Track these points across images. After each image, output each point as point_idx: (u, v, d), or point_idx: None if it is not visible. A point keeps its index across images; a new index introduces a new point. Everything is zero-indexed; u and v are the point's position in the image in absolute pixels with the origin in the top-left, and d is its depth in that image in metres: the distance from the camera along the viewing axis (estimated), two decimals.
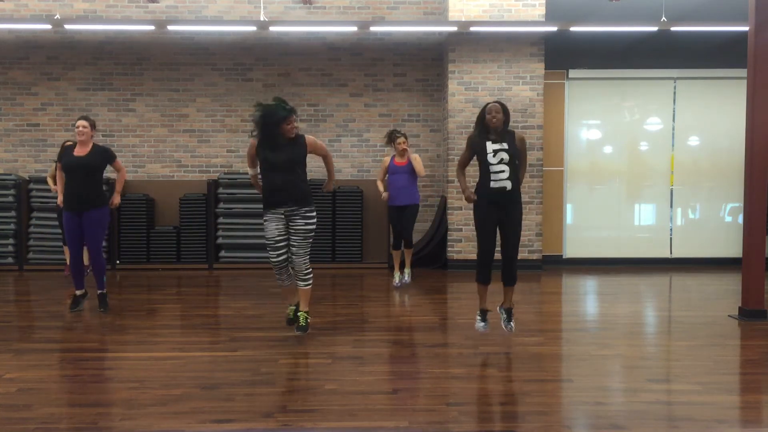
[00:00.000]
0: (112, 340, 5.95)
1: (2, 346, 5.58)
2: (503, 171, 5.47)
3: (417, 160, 8.44)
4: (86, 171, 6.67)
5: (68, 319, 6.78)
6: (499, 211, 5.52)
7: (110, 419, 3.91)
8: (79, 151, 6.74)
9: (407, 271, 8.70)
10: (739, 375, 5.06)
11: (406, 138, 8.50)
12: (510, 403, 4.26)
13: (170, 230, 10.41)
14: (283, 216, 5.73)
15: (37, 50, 10.71)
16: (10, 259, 10.24)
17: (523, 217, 9.94)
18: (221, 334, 6.09)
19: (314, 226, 5.81)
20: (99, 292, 7.01)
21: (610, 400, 4.34)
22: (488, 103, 5.60)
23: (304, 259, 5.75)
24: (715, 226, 10.86)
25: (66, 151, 6.85)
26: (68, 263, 8.48)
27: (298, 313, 5.88)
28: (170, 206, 10.59)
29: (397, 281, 8.56)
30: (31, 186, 10.30)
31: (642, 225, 11.03)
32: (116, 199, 6.96)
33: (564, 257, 10.69)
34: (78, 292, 6.99)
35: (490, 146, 5.50)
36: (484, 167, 5.53)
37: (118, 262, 10.28)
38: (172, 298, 8.23)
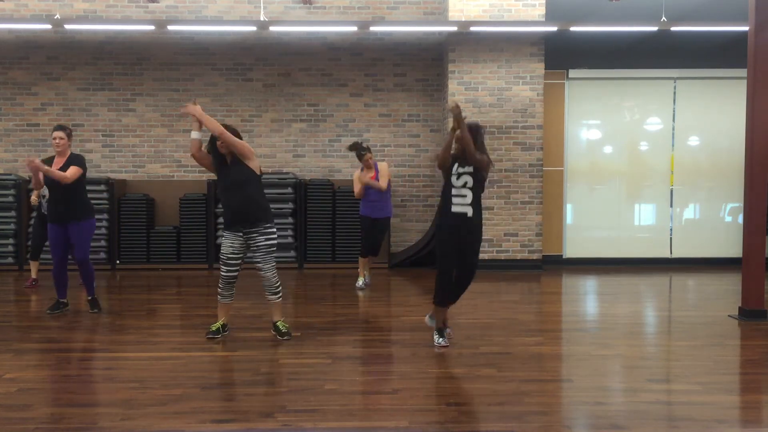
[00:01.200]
0: (112, 340, 5.95)
1: (2, 346, 5.58)
2: (465, 195, 5.44)
3: (384, 171, 8.32)
4: (65, 187, 6.56)
5: (68, 319, 6.78)
6: (459, 238, 5.44)
7: (110, 419, 3.91)
8: (57, 164, 6.67)
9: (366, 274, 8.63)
10: (739, 375, 5.06)
11: (370, 152, 8.40)
12: (510, 403, 4.26)
13: (170, 230, 10.41)
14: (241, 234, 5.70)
15: (37, 50, 10.71)
16: (10, 259, 10.24)
17: (524, 217, 10.07)
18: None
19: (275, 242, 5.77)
20: (89, 297, 7.01)
21: (610, 400, 4.34)
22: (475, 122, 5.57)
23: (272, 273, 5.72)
24: (715, 226, 10.86)
25: (46, 162, 6.74)
26: (33, 276, 8.55)
27: (277, 323, 5.83)
28: (170, 206, 10.59)
29: (361, 283, 8.49)
30: (31, 186, 10.28)
31: (642, 225, 11.03)
32: (43, 167, 6.44)
33: (564, 257, 10.69)
34: (61, 300, 6.97)
35: (457, 168, 5.47)
36: (447, 189, 5.49)
37: (118, 262, 10.28)
38: (172, 298, 8.23)
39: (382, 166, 8.45)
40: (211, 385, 4.52)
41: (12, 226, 10.21)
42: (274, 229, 5.77)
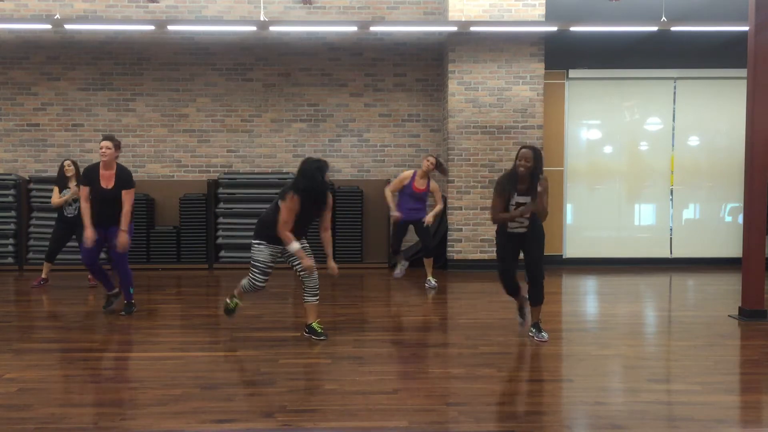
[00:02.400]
0: (112, 340, 5.95)
1: (2, 346, 5.58)
2: (523, 223, 5.65)
3: (437, 191, 8.47)
4: (113, 199, 6.55)
5: (68, 319, 6.78)
6: (518, 246, 5.79)
7: (110, 419, 3.91)
8: (105, 179, 6.55)
9: (431, 278, 8.70)
10: (739, 375, 5.06)
11: (436, 161, 8.47)
12: (510, 403, 4.26)
13: (170, 230, 10.41)
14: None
15: (37, 50, 10.71)
16: (10, 259, 10.24)
17: None
18: (221, 334, 6.08)
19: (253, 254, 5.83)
20: (126, 301, 6.89)
21: (610, 400, 4.34)
22: (522, 147, 5.59)
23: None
24: (715, 226, 10.86)
25: (91, 174, 6.59)
26: (43, 276, 8.57)
27: (312, 324, 5.84)
28: (170, 206, 10.59)
29: (398, 272, 9.06)
30: (31, 186, 10.30)
31: (642, 225, 11.03)
32: (123, 238, 6.56)
33: (564, 257, 10.69)
34: (110, 293, 6.98)
35: (515, 198, 5.57)
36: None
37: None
38: (172, 298, 8.23)
39: (435, 187, 8.51)
40: (211, 385, 4.52)
41: (12, 226, 10.21)
42: (258, 244, 5.86)
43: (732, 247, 10.24)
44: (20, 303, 8.02)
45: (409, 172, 8.56)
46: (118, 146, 6.69)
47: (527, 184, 5.52)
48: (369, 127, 10.91)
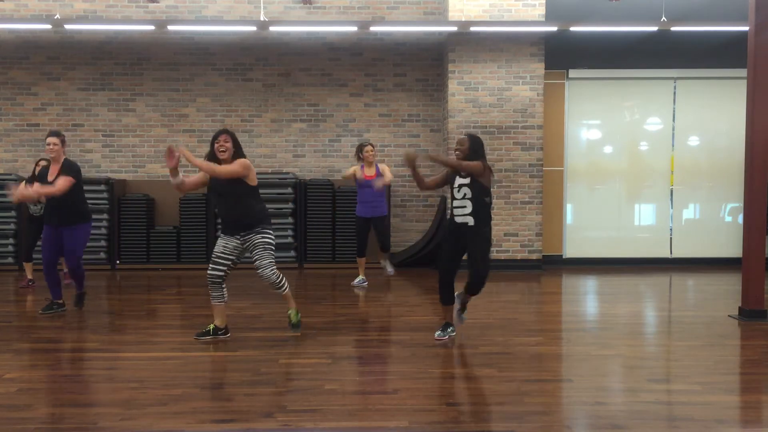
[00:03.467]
0: (112, 340, 5.95)
1: (2, 346, 5.58)
2: (465, 206, 5.54)
3: (386, 171, 8.38)
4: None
5: (68, 319, 6.78)
6: (461, 245, 5.61)
7: (110, 419, 3.91)
8: (52, 172, 6.63)
9: (387, 263, 8.81)
10: (739, 375, 5.06)
11: (373, 147, 8.51)
12: (510, 403, 4.26)
13: (170, 230, 10.41)
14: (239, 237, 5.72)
15: (37, 50, 10.71)
16: (10, 259, 10.24)
17: (524, 217, 10.07)
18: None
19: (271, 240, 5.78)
20: (78, 292, 6.98)
21: (610, 400, 4.34)
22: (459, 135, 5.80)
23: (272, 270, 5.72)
24: (715, 226, 10.86)
25: (41, 172, 6.75)
26: (29, 277, 8.56)
27: (289, 312, 5.88)
28: (170, 206, 10.59)
29: (357, 281, 8.74)
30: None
31: (642, 225, 11.03)
32: (31, 190, 6.51)
33: (564, 257, 10.69)
34: (56, 301, 6.93)
35: (457, 180, 5.60)
36: (450, 200, 5.67)
37: (118, 262, 10.28)
38: (172, 298, 8.23)
39: (384, 167, 8.48)
40: (211, 385, 4.52)
41: (12, 226, 10.21)
42: (271, 231, 5.79)
43: (732, 247, 10.24)
44: (20, 303, 8.02)
45: (356, 166, 8.59)
46: (64, 141, 6.75)
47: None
48: (369, 127, 10.91)
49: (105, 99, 10.80)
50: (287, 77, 10.86)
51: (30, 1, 10.56)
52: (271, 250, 5.75)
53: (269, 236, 5.73)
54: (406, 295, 8.29)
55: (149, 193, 10.53)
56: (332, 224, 10.38)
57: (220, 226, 10.22)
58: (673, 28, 9.63)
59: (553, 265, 10.38)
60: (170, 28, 10.21)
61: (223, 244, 5.70)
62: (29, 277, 8.62)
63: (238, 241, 5.69)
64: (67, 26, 10.16)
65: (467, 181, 5.53)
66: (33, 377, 4.73)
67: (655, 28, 9.70)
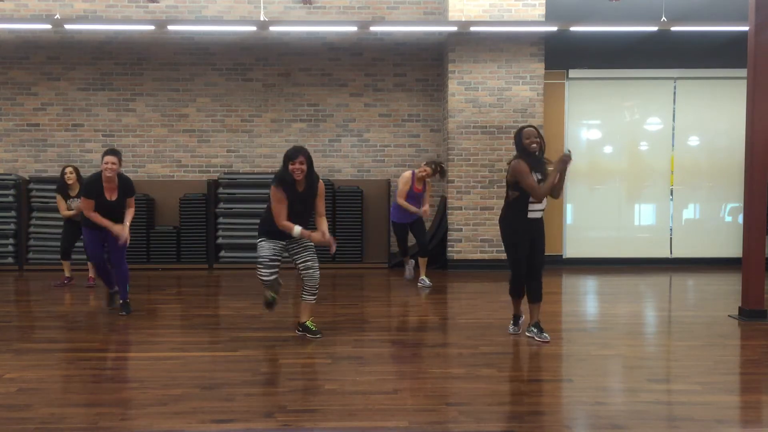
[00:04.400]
0: (112, 340, 5.95)
1: (2, 346, 5.58)
2: (542, 203, 5.65)
3: (428, 191, 8.70)
4: (117, 209, 6.71)
5: (68, 319, 6.78)
6: (533, 237, 5.73)
7: (110, 419, 3.91)
8: (109, 192, 6.63)
9: (425, 278, 8.73)
10: (739, 375, 5.06)
11: (434, 172, 8.61)
12: (510, 403, 4.26)
13: (170, 230, 10.41)
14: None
15: (37, 50, 10.71)
16: (10, 259, 10.24)
17: None
18: (221, 334, 6.08)
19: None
20: (121, 300, 6.93)
21: (610, 400, 4.34)
22: (523, 128, 5.75)
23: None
24: (715, 226, 10.86)
25: (95, 188, 6.62)
26: (67, 275, 8.61)
27: (306, 323, 5.87)
28: (170, 206, 10.58)
29: (407, 274, 9.06)
30: (31, 186, 10.30)
31: (642, 225, 11.02)
32: (124, 231, 6.69)
33: (564, 257, 10.68)
34: (112, 291, 7.06)
35: (537, 177, 5.63)
36: (524, 197, 5.61)
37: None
38: (172, 298, 8.23)
39: (428, 186, 8.70)
40: (211, 385, 4.52)
41: (12, 226, 10.21)
42: (259, 240, 5.85)
43: (732, 247, 10.24)
44: (20, 303, 8.02)
45: (407, 173, 8.62)
46: (121, 160, 6.77)
47: (536, 161, 5.64)
48: (369, 127, 10.91)
49: (105, 99, 10.79)
50: (287, 77, 10.86)
51: (30, 1, 10.56)
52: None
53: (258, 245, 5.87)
54: (406, 295, 8.29)
55: (149, 193, 10.52)
56: (332, 224, 10.36)
57: (221, 224, 10.30)
58: (673, 28, 9.62)
59: (553, 265, 10.37)
60: (170, 28, 10.21)
61: (272, 247, 5.71)
62: (67, 275, 8.63)
63: (282, 245, 5.74)
64: (67, 26, 10.15)
65: (540, 177, 5.61)
66: (33, 377, 4.73)
67: (655, 28, 9.70)
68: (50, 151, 10.74)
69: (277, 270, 5.79)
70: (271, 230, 5.67)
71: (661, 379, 4.88)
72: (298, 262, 5.73)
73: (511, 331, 5.98)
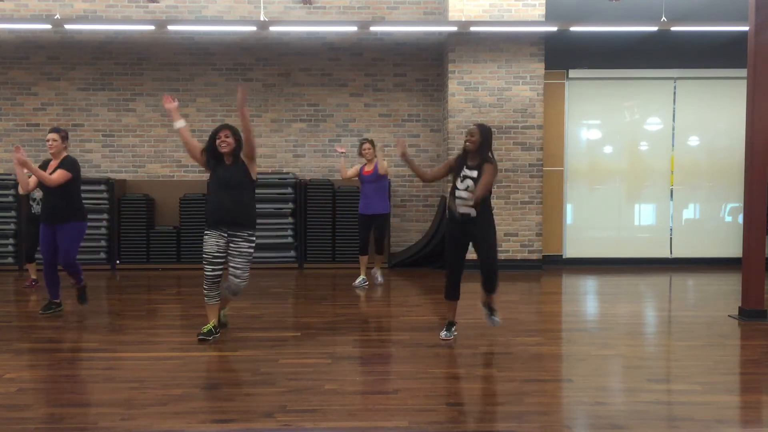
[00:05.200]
0: (112, 340, 5.95)
1: (2, 346, 5.58)
2: (467, 198, 5.55)
3: (381, 163, 8.32)
4: (57, 190, 6.54)
5: (68, 319, 6.78)
6: (467, 235, 5.63)
7: (110, 419, 3.91)
8: (51, 166, 6.66)
9: (378, 272, 8.74)
10: (739, 375, 5.06)
11: (372, 145, 8.48)
12: (510, 403, 4.26)
13: (170, 230, 10.41)
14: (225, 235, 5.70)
15: (37, 50, 10.71)
16: (10, 259, 10.24)
17: (524, 217, 10.07)
18: (221, 334, 6.08)
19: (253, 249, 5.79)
20: (78, 285, 6.94)
21: (610, 400, 4.34)
22: (471, 126, 5.79)
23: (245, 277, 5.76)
24: (715, 226, 10.86)
25: (40, 166, 6.74)
26: (33, 276, 8.54)
27: (221, 310, 5.96)
28: (170, 206, 10.58)
29: (358, 282, 8.60)
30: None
31: (642, 225, 11.02)
32: (29, 164, 6.33)
33: (564, 257, 10.68)
34: (54, 300, 6.90)
35: (464, 171, 5.60)
36: (452, 191, 5.65)
37: (118, 262, 10.28)
38: (172, 298, 8.23)
39: (382, 164, 8.40)
40: (211, 385, 4.52)
41: (12, 226, 10.21)
42: (255, 238, 5.82)
43: (732, 247, 10.24)
44: (20, 303, 8.02)
45: (358, 165, 8.65)
46: (65, 137, 6.78)
47: (477, 161, 5.57)
48: (369, 127, 10.91)
49: (105, 99, 10.79)
50: (287, 77, 10.86)
51: (30, 1, 10.56)
52: (251, 259, 5.83)
53: (254, 245, 5.82)
54: (406, 295, 8.29)
55: (149, 193, 10.53)
56: (332, 224, 10.37)
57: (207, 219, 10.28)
58: (673, 28, 9.62)
59: (553, 265, 10.39)
60: (170, 28, 10.21)
61: (215, 242, 5.72)
62: (33, 277, 8.61)
63: (225, 239, 5.70)
64: (67, 26, 10.16)
65: (474, 174, 5.53)
66: (33, 377, 4.73)
67: (655, 28, 9.70)
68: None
69: (221, 267, 5.71)
70: (208, 220, 5.75)
71: (661, 379, 4.88)
72: (229, 264, 5.73)
73: (443, 336, 5.74)
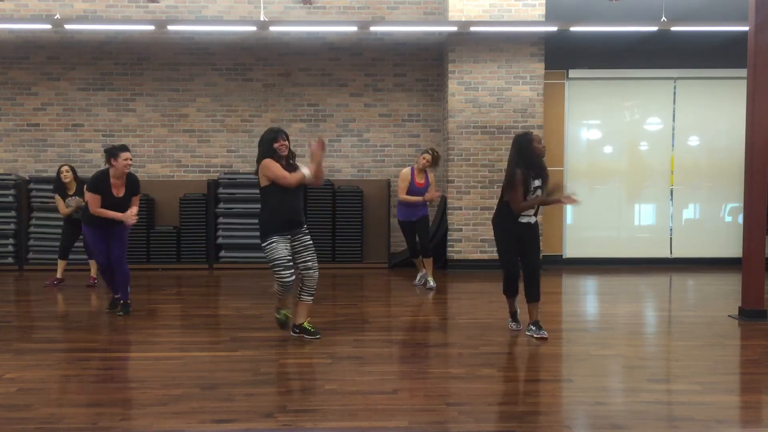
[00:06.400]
0: (112, 340, 5.95)
1: (2, 346, 5.58)
2: (531, 211, 5.78)
3: (432, 183, 8.43)
4: (122, 206, 6.64)
5: (68, 319, 6.78)
6: (523, 239, 5.82)
7: (110, 419, 3.91)
8: (116, 188, 6.61)
9: (430, 278, 8.58)
10: (739, 375, 5.06)
11: (434, 159, 8.34)
12: (510, 403, 4.26)
13: (170, 230, 10.41)
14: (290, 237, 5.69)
15: (37, 50, 10.70)
16: (10, 259, 10.24)
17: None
18: (221, 334, 6.08)
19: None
20: (124, 300, 6.88)
21: (610, 400, 4.34)
22: (525, 133, 5.85)
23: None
24: (715, 226, 10.86)
25: (102, 183, 6.60)
26: (58, 276, 8.56)
27: (304, 324, 5.81)
28: (170, 206, 10.58)
29: (417, 280, 8.66)
30: (31, 186, 10.30)
31: (642, 225, 11.03)
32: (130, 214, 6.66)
33: (564, 257, 10.69)
34: (116, 296, 6.94)
35: (534, 182, 5.73)
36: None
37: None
38: (172, 298, 8.23)
39: (432, 178, 8.43)
40: (211, 385, 4.52)
41: (12, 226, 10.21)
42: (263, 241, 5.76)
43: (732, 247, 10.23)
44: (20, 303, 8.02)
45: (406, 170, 8.45)
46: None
47: (539, 167, 5.76)
48: (369, 127, 10.91)
49: (105, 99, 10.79)
50: (287, 77, 10.85)
51: (30, 1, 10.56)
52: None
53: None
54: (406, 295, 8.29)
55: (149, 193, 10.52)
56: (332, 224, 10.37)
57: (221, 225, 10.29)
58: (673, 28, 9.62)
59: (553, 265, 10.38)
60: (170, 28, 10.21)
61: (284, 247, 5.60)
62: (59, 276, 8.59)
63: (290, 242, 5.67)
64: (67, 26, 10.15)
65: (540, 183, 5.73)
66: (33, 377, 4.73)
67: (655, 28, 9.70)
68: (50, 151, 10.74)
69: (293, 269, 5.66)
70: (275, 225, 5.58)
71: (661, 379, 4.88)
72: (298, 261, 5.71)
73: (513, 327, 6.04)
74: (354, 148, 10.92)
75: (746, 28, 6.87)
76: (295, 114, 10.89)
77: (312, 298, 5.79)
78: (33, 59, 10.72)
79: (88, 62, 10.74)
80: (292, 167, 5.69)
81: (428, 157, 8.30)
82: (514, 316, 6.07)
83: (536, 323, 5.80)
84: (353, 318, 6.82)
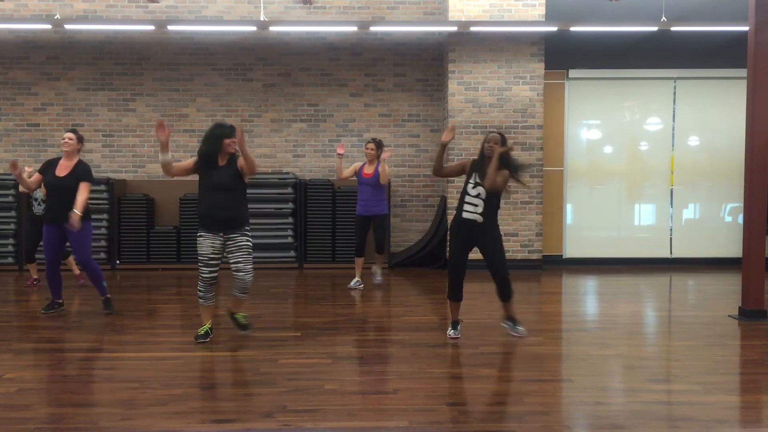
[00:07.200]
0: (112, 340, 5.95)
1: (2, 346, 5.58)
2: (476, 205, 5.59)
3: (384, 170, 8.19)
4: (66, 190, 6.50)
5: (68, 319, 6.78)
6: (472, 240, 5.67)
7: (110, 419, 3.91)
8: (63, 168, 6.59)
9: (378, 270, 8.68)
10: (739, 375, 5.06)
11: (377, 146, 8.30)
12: (510, 403, 4.26)
13: (170, 230, 10.41)
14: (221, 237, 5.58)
15: (37, 50, 10.70)
16: (10, 259, 10.24)
17: (524, 217, 10.07)
18: (221, 334, 6.08)
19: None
20: (104, 297, 6.91)
21: (610, 400, 4.34)
22: (490, 132, 5.78)
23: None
24: (715, 226, 10.86)
25: (50, 163, 6.70)
26: (34, 276, 8.53)
27: (236, 315, 5.81)
28: (170, 206, 10.58)
29: (353, 283, 8.49)
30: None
31: (642, 225, 11.02)
32: (74, 217, 6.33)
33: (564, 257, 10.68)
34: (56, 300, 6.87)
35: (476, 177, 5.63)
36: (462, 194, 5.69)
37: (118, 262, 10.27)
38: (172, 298, 8.23)
39: (383, 167, 8.35)
40: (211, 385, 4.52)
41: (12, 226, 10.21)
42: (250, 232, 5.73)
43: (732, 247, 10.23)
44: (20, 303, 8.02)
45: (359, 163, 8.52)
46: (81, 140, 6.79)
47: (483, 167, 5.64)
48: (369, 127, 10.91)
49: (105, 99, 10.79)
50: (287, 77, 10.85)
51: (30, 1, 10.56)
52: (252, 252, 5.71)
53: (251, 239, 5.72)
54: (406, 295, 8.29)
55: (149, 193, 10.52)
56: (332, 224, 10.37)
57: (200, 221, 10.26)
58: (673, 28, 9.62)
59: (553, 265, 10.38)
60: (170, 28, 10.21)
61: (210, 244, 5.53)
62: (34, 276, 8.61)
63: (221, 240, 5.57)
64: (67, 26, 10.15)
65: (480, 181, 5.59)
66: (33, 377, 4.73)
67: (655, 28, 9.70)
68: (50, 151, 10.72)
69: (218, 269, 5.61)
70: (200, 223, 5.58)
71: (661, 379, 4.88)
72: (230, 261, 5.61)
73: (451, 335, 5.79)
74: (354, 148, 10.90)
75: (746, 28, 6.88)
76: (295, 114, 10.89)
77: (245, 296, 5.72)
78: (33, 59, 10.72)
79: (88, 62, 10.74)
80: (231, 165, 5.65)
81: (372, 146, 8.28)
82: (454, 324, 5.84)
83: (512, 318, 5.80)
84: (353, 318, 6.83)
